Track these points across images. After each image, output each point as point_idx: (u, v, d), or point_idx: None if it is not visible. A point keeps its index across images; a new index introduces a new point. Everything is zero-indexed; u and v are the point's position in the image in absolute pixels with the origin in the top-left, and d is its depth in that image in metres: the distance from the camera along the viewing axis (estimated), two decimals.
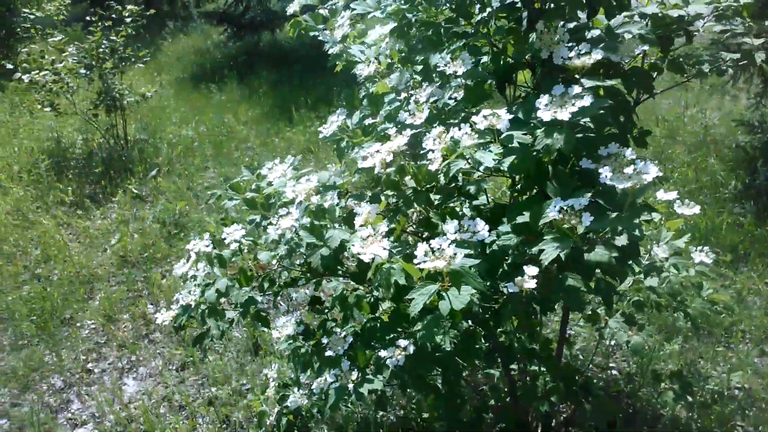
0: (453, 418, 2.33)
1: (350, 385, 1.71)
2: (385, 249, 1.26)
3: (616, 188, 1.22)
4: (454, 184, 1.49)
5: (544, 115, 1.29)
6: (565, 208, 1.22)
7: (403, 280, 1.28)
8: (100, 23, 6.23)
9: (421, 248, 1.22)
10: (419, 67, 1.80)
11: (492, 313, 1.65)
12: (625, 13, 1.64)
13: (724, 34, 1.96)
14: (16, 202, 5.39)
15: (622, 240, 1.26)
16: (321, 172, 1.78)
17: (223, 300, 2.03)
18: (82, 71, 5.99)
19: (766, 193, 4.35)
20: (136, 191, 5.47)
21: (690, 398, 2.66)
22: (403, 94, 1.82)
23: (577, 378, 2.27)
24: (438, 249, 1.18)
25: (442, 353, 1.70)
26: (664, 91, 2.24)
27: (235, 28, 10.22)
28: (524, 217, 1.33)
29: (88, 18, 6.75)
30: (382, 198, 1.48)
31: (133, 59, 6.44)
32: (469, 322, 1.81)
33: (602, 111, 1.33)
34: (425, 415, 2.66)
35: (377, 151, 1.42)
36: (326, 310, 2.03)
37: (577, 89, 1.31)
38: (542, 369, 2.23)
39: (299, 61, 9.49)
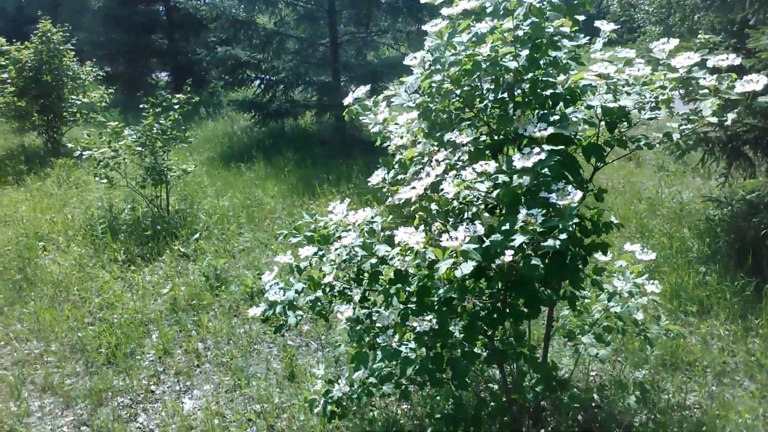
0: (459, 411, 2.98)
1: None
2: (422, 240, 2.00)
3: (558, 204, 1.99)
4: (461, 207, 2.25)
5: (518, 163, 2.06)
6: (531, 214, 1.97)
7: (433, 256, 2.00)
8: (152, 109, 7.22)
9: (445, 237, 1.95)
10: (435, 140, 2.61)
11: (496, 310, 2.38)
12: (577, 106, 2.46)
13: (650, 120, 2.77)
14: (76, 259, 6.16)
15: (563, 236, 1.98)
16: (367, 209, 2.54)
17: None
18: (138, 149, 6.91)
19: (728, 256, 5.08)
20: (183, 250, 6.24)
21: (649, 405, 3.29)
22: (426, 158, 2.62)
23: (555, 374, 2.93)
24: (455, 237, 1.92)
25: (452, 338, 2.38)
26: (614, 160, 3.04)
27: (261, 115, 11.33)
28: (506, 226, 2.06)
29: (122, 103, 7.76)
30: (417, 216, 2.22)
31: (179, 140, 7.38)
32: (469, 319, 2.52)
33: (553, 164, 2.11)
34: (437, 416, 3.29)
35: (413, 188, 2.19)
36: (372, 306, 2.74)
37: (536, 150, 2.09)
38: (529, 368, 2.91)
39: (321, 144, 10.51)
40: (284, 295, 2.61)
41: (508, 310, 2.55)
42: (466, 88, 2.64)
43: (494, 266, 2.01)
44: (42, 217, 7.49)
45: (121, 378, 4.28)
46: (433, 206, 2.15)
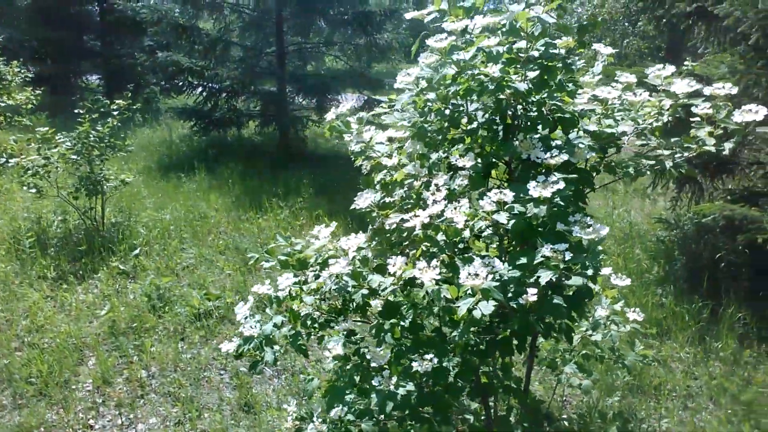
0: None
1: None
2: (438, 276, 1.82)
3: (583, 239, 1.85)
4: (468, 240, 2.08)
5: (534, 192, 1.92)
6: (553, 249, 1.82)
7: (449, 295, 1.82)
8: (87, 115, 6.73)
9: (464, 272, 1.78)
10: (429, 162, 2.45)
11: (486, 343, 2.21)
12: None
13: (643, 148, 2.70)
14: (0, 276, 5.61)
15: (588, 273, 1.85)
16: (360, 235, 2.33)
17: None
18: (73, 157, 6.42)
19: (683, 278, 5.16)
20: (122, 267, 5.81)
21: None
22: (417, 181, 2.44)
23: (541, 408, 2.80)
24: (474, 274, 1.75)
25: (446, 373, 2.21)
26: (601, 186, 2.96)
27: (203, 123, 10.90)
28: (522, 260, 1.92)
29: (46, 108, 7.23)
30: (422, 247, 2.04)
31: (117, 148, 6.91)
32: (468, 354, 2.35)
33: (570, 193, 1.97)
34: None
35: (416, 215, 2.01)
36: (358, 341, 2.52)
37: (553, 178, 1.96)
38: (514, 402, 2.76)
39: (265, 155, 10.19)
40: (260, 329, 2.36)
41: (500, 344, 2.40)
42: (451, 107, 2.50)
43: (513, 305, 1.86)
44: None
45: (55, 411, 3.87)
46: (440, 237, 1.97)
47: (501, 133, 2.66)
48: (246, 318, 2.44)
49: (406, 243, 2.60)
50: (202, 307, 5.08)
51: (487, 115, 2.54)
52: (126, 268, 5.88)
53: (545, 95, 2.27)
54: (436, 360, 2.09)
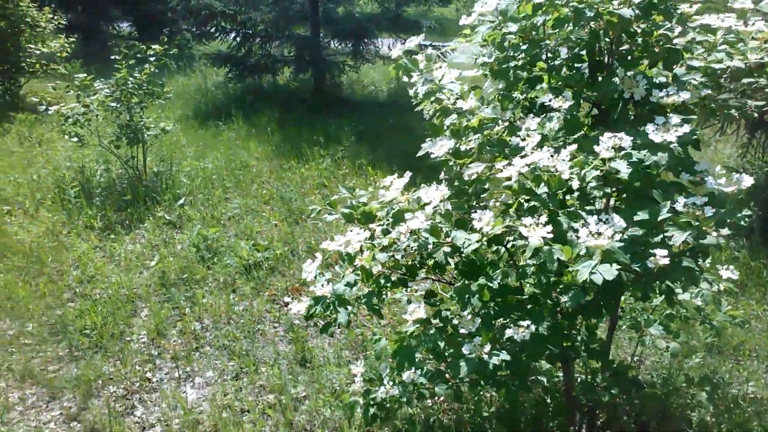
0: (516, 414, 2.65)
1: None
2: (549, 234, 1.62)
3: (715, 191, 1.62)
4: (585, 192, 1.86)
5: (655, 137, 1.68)
6: (693, 204, 1.60)
7: (563, 257, 1.62)
8: (124, 61, 6.54)
9: (584, 231, 1.58)
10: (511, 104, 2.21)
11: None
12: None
13: (751, 86, 2.40)
14: (47, 226, 5.58)
15: (724, 231, 1.64)
16: (441, 187, 2.12)
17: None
18: (113, 104, 6.27)
19: (757, 230, 4.86)
20: (167, 217, 5.72)
21: (717, 400, 3.03)
22: (498, 125, 2.21)
23: (627, 373, 2.62)
24: (597, 233, 1.55)
25: (537, 339, 2.03)
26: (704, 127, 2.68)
27: (237, 70, 10.63)
28: (642, 215, 1.70)
29: (80, 55, 7.05)
30: (521, 200, 1.83)
31: (156, 95, 6.74)
32: (558, 315, 2.17)
33: (692, 139, 1.74)
34: (484, 414, 2.96)
35: (510, 164, 1.79)
36: (438, 303, 2.35)
37: (676, 119, 1.71)
38: (595, 365, 2.59)
39: (302, 102, 9.93)
40: (332, 289, 2.19)
41: (588, 306, 2.21)
42: (529, 42, 2.23)
43: (637, 268, 1.65)
44: (4, 178, 6.81)
45: (112, 364, 3.83)
46: (542, 189, 1.75)
47: (587, 71, 2.40)
48: (315, 276, 2.27)
49: (484, 195, 2.40)
50: (251, 258, 4.98)
51: (576, 50, 2.28)
52: (172, 218, 5.79)
53: (650, 24, 1.99)
54: (533, 327, 1.90)
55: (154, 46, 6.93)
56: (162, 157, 7.32)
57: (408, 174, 2.27)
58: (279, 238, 5.39)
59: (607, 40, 2.21)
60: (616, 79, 2.01)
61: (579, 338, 2.54)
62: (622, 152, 1.68)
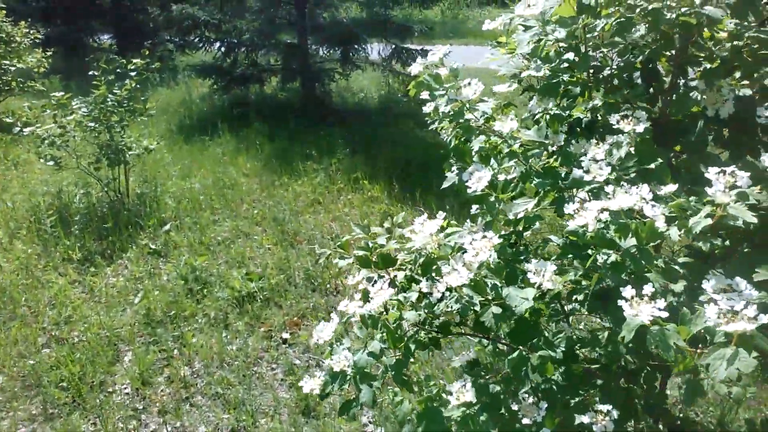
0: None
1: None
2: (661, 310, 1.23)
3: None
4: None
5: None
6: None
7: (682, 342, 1.24)
8: (103, 77, 6.11)
9: (712, 309, 1.20)
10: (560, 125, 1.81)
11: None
12: None
13: None
14: (21, 259, 5.14)
15: None
16: (489, 233, 1.72)
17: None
18: (91, 124, 5.84)
19: None
20: (152, 246, 5.29)
21: None
22: (543, 149, 1.82)
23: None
24: (731, 310, 1.17)
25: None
26: None
27: (223, 81, 10.23)
28: (765, 273, 1.33)
29: (60, 71, 6.62)
30: (599, 257, 1.44)
31: (138, 113, 6.32)
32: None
33: None
34: None
35: (582, 207, 1.40)
36: (483, 373, 1.95)
37: None
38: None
39: (291, 113, 9.52)
40: (353, 360, 1.78)
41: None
42: (575, 52, 1.85)
43: None
44: None
45: (91, 422, 3.41)
46: (630, 241, 1.35)
47: (640, 81, 2.03)
48: (331, 345, 1.86)
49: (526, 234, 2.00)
50: (244, 288, 4.57)
51: (632, 59, 1.90)
52: (156, 246, 5.36)
53: (741, 26, 1.60)
54: (615, 412, 1.51)
55: (135, 60, 6.50)
56: (145, 178, 6.89)
57: (441, 215, 1.86)
58: (273, 264, 4.98)
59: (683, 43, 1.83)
60: (695, 94, 1.63)
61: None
62: (735, 191, 1.29)
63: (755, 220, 1.23)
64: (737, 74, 1.77)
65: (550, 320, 2.04)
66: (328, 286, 4.67)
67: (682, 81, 1.89)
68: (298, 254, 5.14)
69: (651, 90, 1.99)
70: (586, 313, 1.85)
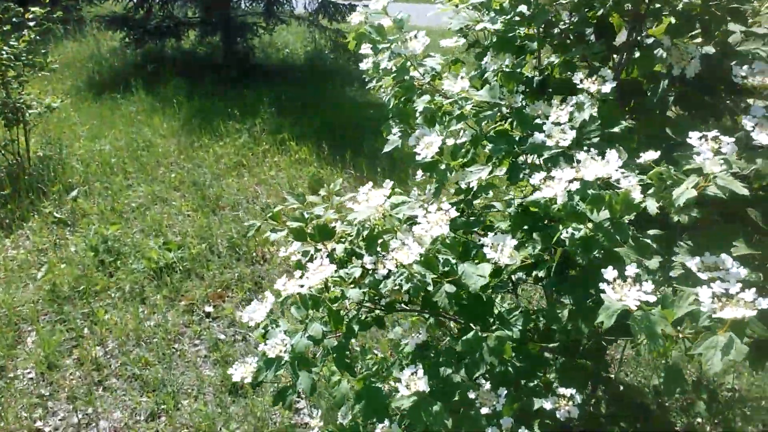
0: None
1: None
2: (647, 294, 1.08)
3: None
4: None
5: (762, 138, 1.18)
6: None
7: (669, 328, 1.10)
8: None
9: (705, 292, 1.06)
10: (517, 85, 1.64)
11: None
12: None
13: None
14: None
15: None
16: (444, 204, 1.52)
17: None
18: None
19: None
20: (57, 215, 4.83)
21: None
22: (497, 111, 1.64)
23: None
24: (723, 294, 1.03)
25: None
26: None
27: (136, 34, 9.50)
28: (741, 248, 1.21)
29: None
30: (565, 232, 1.27)
31: (38, 67, 5.71)
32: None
33: None
34: None
35: (549, 178, 1.24)
36: (433, 356, 1.78)
37: (759, 108, 1.21)
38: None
39: (212, 69, 8.98)
40: (291, 345, 1.57)
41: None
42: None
43: None
44: None
45: None
46: (603, 214, 1.19)
47: (592, 37, 1.89)
48: (266, 327, 1.64)
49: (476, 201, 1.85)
50: (162, 259, 4.24)
51: (588, 12, 1.75)
52: (62, 214, 4.90)
53: None
54: (579, 396, 1.38)
55: (33, 9, 5.86)
56: (49, 140, 6.30)
57: (388, 183, 1.65)
58: (194, 232, 4.66)
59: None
60: (659, 51, 1.49)
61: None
62: (721, 159, 1.15)
63: (746, 192, 1.11)
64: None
65: (494, 293, 1.91)
66: (254, 254, 4.41)
67: (637, 38, 1.76)
68: (220, 221, 4.83)
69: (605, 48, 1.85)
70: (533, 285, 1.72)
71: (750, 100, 1.41)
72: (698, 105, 1.56)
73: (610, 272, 1.13)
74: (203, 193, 5.29)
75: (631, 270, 1.11)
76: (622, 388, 2.20)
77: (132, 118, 7.20)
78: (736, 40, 1.53)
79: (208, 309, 3.86)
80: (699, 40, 1.55)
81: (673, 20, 1.51)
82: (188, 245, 4.45)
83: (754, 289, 1.04)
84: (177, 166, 6.01)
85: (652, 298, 1.08)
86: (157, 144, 6.44)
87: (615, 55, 1.87)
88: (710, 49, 1.55)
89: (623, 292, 1.09)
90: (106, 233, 4.49)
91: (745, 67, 1.36)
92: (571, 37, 1.79)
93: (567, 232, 1.25)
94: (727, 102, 1.55)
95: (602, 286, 1.11)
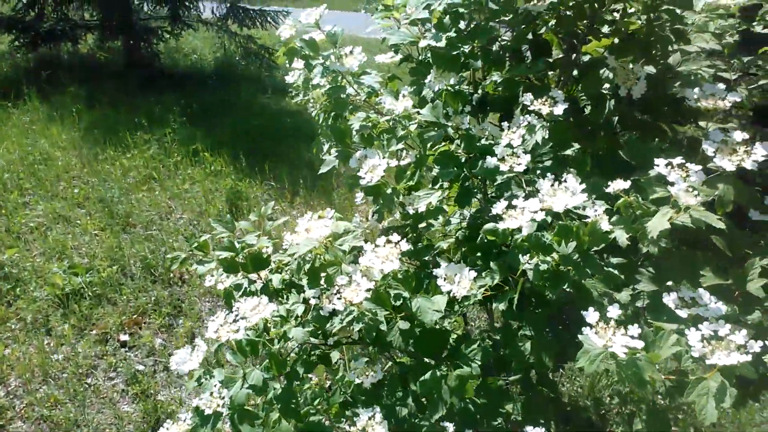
0: None
1: None
2: (633, 338, 1.03)
3: None
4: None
5: (725, 164, 1.17)
6: None
7: (657, 374, 1.05)
8: None
9: (695, 335, 1.01)
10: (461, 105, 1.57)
11: None
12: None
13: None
14: None
15: None
16: (394, 236, 1.42)
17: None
18: None
19: None
20: None
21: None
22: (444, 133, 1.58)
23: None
24: (710, 335, 1.00)
25: None
26: None
27: (27, 37, 8.83)
28: (710, 278, 1.20)
29: None
30: (529, 263, 1.21)
31: None
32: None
33: None
34: None
35: (512, 206, 1.17)
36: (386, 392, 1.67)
37: (740, 135, 1.20)
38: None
39: (113, 76, 8.49)
40: (230, 395, 1.42)
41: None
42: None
43: None
44: None
45: None
46: (571, 246, 1.14)
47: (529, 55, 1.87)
48: (199, 379, 1.49)
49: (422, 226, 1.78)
50: (68, 285, 3.91)
51: (525, 30, 1.72)
52: None
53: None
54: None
55: None
56: None
57: (330, 212, 1.53)
58: (103, 253, 4.33)
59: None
60: (605, 71, 1.47)
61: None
62: (696, 193, 1.12)
63: (723, 226, 1.09)
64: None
65: (445, 318, 1.84)
66: (171, 276, 4.15)
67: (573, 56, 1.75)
68: (132, 240, 4.52)
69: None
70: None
71: (702, 123, 1.42)
72: (642, 126, 1.56)
73: (592, 315, 1.08)
74: (111, 210, 4.94)
75: (614, 312, 1.07)
76: (569, 408, 2.21)
77: (26, 129, 6.66)
78: (676, 60, 1.54)
79: (124, 338, 3.59)
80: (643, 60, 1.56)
81: (617, 40, 1.50)
82: (97, 268, 4.13)
83: (744, 332, 1.03)
84: (80, 180, 5.59)
85: (640, 344, 1.05)
86: (56, 157, 5.98)
87: (551, 72, 1.86)
88: (651, 69, 1.56)
89: (608, 337, 1.05)
90: (1, 258, 4.08)
91: (696, 89, 1.37)
92: (508, 54, 1.75)
93: (530, 263, 1.20)
94: (672, 124, 1.57)
95: (585, 330, 1.06)
